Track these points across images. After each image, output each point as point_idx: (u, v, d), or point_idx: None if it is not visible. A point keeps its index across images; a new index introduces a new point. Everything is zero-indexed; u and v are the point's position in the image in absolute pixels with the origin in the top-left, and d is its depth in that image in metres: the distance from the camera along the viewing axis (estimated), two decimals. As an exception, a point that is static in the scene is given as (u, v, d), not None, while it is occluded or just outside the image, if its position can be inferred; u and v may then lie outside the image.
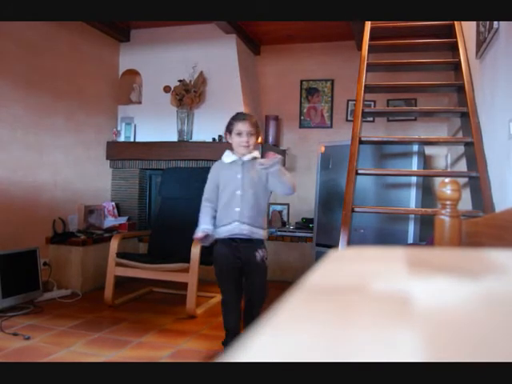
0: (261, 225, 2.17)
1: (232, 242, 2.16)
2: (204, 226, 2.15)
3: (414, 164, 3.27)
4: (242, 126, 2.13)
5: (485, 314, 0.27)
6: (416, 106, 4.14)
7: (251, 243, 2.16)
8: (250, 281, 2.20)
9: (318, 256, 3.58)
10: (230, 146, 2.24)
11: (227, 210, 2.15)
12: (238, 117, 2.19)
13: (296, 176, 4.36)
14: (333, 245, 3.27)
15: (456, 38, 3.19)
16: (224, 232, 2.15)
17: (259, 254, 2.17)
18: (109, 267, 3.08)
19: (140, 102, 4.35)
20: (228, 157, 2.19)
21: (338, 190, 3.40)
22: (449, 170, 3.73)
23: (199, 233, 2.14)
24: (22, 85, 3.28)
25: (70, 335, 2.48)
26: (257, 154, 2.22)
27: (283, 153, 4.39)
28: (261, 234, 2.17)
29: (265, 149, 3.57)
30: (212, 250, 2.26)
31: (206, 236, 2.14)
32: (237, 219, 2.12)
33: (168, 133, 4.12)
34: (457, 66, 3.17)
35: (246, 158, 2.16)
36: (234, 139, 2.15)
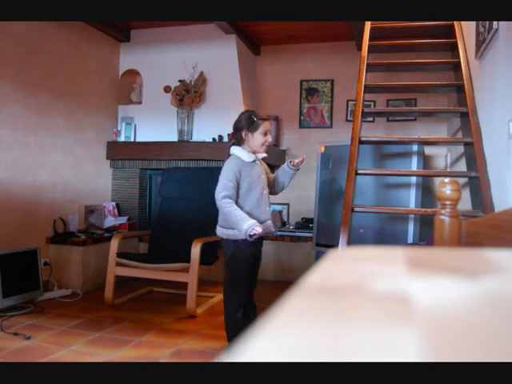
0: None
1: (256, 241, 2.08)
2: (253, 221, 1.97)
3: (414, 164, 3.27)
4: (268, 126, 2.12)
5: (484, 313, 0.27)
6: (416, 106, 4.14)
7: (263, 240, 2.21)
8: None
9: (318, 256, 3.58)
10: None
11: (259, 209, 2.09)
12: (261, 116, 2.13)
13: (296, 176, 4.35)
14: (333, 245, 3.27)
15: (456, 38, 3.19)
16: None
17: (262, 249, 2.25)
18: (109, 267, 3.08)
19: (140, 102, 4.35)
20: (248, 156, 2.09)
21: (338, 190, 3.40)
22: (449, 170, 3.73)
23: (257, 227, 1.95)
24: (21, 85, 3.28)
25: (70, 335, 2.48)
26: (265, 153, 2.23)
27: (283, 153, 4.39)
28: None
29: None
30: (213, 249, 2.25)
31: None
32: (268, 218, 2.14)
33: (168, 133, 4.12)
34: (456, 66, 3.17)
35: (261, 157, 2.19)
36: (258, 138, 2.09)
